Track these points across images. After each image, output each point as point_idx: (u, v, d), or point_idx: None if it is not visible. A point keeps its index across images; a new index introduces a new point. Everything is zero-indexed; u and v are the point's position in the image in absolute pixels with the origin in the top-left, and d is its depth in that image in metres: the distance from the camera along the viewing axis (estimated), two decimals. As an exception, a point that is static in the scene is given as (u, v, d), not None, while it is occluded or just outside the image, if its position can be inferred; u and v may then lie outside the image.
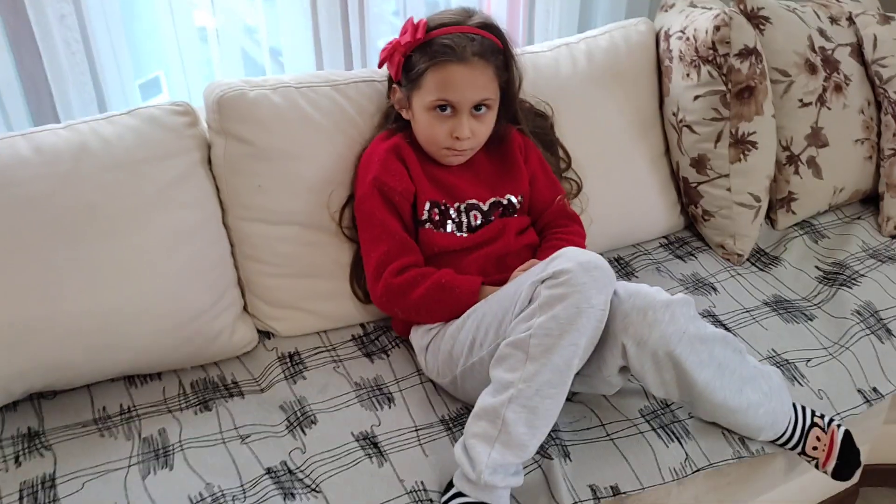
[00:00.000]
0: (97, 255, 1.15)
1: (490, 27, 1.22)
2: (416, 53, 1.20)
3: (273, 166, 1.29)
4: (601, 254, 1.53)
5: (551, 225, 1.35)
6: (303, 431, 1.16)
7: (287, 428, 1.17)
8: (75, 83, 1.51)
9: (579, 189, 1.46)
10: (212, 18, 1.63)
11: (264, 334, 1.35)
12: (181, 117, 1.28)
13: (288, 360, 1.30)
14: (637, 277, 1.51)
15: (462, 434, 1.10)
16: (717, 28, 1.42)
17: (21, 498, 1.03)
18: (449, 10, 1.25)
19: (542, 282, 1.01)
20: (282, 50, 1.72)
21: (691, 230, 1.66)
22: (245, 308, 1.35)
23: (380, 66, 1.29)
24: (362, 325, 1.38)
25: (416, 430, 1.16)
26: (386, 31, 1.86)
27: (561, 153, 1.45)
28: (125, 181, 1.19)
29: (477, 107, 1.21)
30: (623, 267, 1.54)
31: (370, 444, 1.13)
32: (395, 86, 1.27)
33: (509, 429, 0.97)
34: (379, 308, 1.29)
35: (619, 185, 1.54)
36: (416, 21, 1.21)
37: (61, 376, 1.17)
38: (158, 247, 1.20)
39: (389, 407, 1.20)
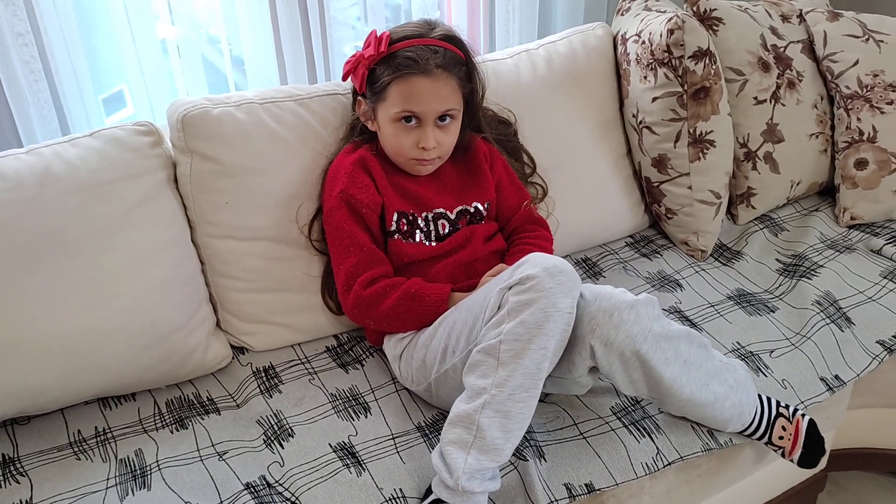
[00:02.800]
0: (67, 278, 1.15)
1: (452, 39, 1.24)
2: (380, 66, 1.22)
3: (240, 182, 1.30)
4: (569, 255, 1.58)
5: (519, 230, 1.38)
6: (280, 445, 1.16)
7: (264, 442, 1.17)
8: (35, 103, 1.51)
9: (545, 193, 1.49)
10: (173, 29, 1.63)
11: (238, 350, 1.36)
12: (145, 137, 1.28)
13: (263, 374, 1.31)
14: (605, 277, 1.54)
15: (439, 440, 1.12)
16: (671, 31, 1.45)
17: (-2, 526, 1.03)
18: (411, 22, 1.27)
19: (510, 288, 1.03)
20: (244, 59, 1.72)
21: (656, 228, 1.70)
22: (218, 324, 1.35)
23: (344, 78, 1.30)
24: (336, 337, 1.39)
25: (394, 438, 1.17)
26: (350, 36, 1.87)
27: (525, 159, 1.48)
28: (91, 203, 1.19)
29: (441, 117, 1.23)
30: (591, 267, 1.57)
31: (348, 454, 1.14)
32: (359, 98, 1.29)
33: (484, 434, 0.99)
34: (351, 319, 1.30)
35: (583, 187, 1.57)
36: (378, 34, 1.23)
37: (34, 401, 1.16)
38: (128, 267, 1.20)
39: (366, 416, 1.22)
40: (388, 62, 1.21)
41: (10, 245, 1.13)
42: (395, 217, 1.28)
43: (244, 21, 1.67)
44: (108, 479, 1.10)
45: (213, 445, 1.16)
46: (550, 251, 1.35)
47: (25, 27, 1.44)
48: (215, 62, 1.79)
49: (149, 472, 1.11)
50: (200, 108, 1.28)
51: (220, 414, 1.23)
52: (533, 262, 1.04)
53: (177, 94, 1.70)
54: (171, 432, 1.18)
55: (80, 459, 1.13)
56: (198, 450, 1.15)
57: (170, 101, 1.64)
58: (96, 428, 1.19)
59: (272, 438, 1.18)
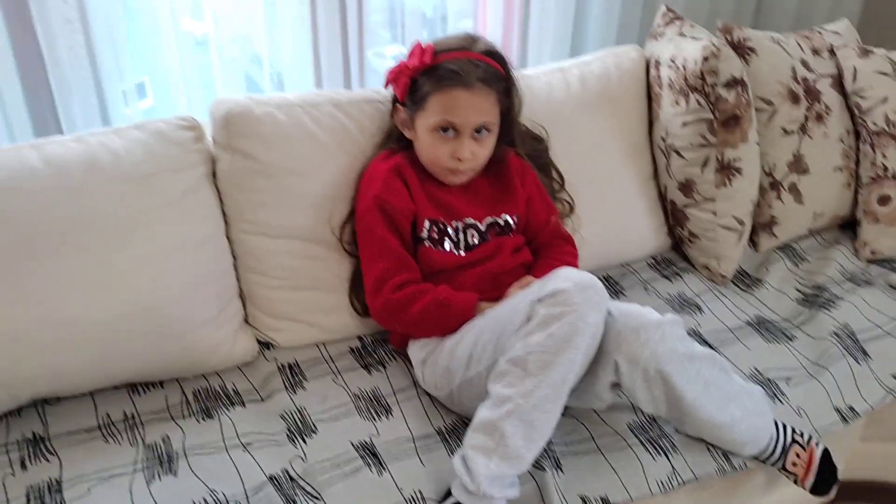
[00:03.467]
0: (104, 265, 1.18)
1: (494, 54, 1.27)
2: (423, 77, 1.25)
3: (277, 182, 1.33)
4: (591, 272, 1.60)
5: (546, 245, 1.40)
6: (303, 440, 1.19)
7: (288, 436, 1.20)
8: (78, 89, 1.55)
9: (572, 209, 1.51)
10: (205, 26, 1.66)
11: (264, 345, 1.39)
12: (188, 132, 1.31)
13: (288, 370, 1.33)
14: (625, 296, 1.56)
15: (459, 445, 1.14)
16: (706, 59, 1.48)
17: (28, 501, 1.06)
18: (454, 35, 1.30)
19: (540, 300, 1.06)
20: (280, 59, 1.75)
21: (677, 251, 1.72)
22: (245, 319, 1.38)
23: (385, 86, 1.33)
24: (360, 338, 1.42)
25: (414, 441, 1.20)
26: (376, 41, 1.90)
27: (554, 175, 1.51)
28: (133, 194, 1.22)
29: (478, 130, 1.26)
30: (612, 286, 1.59)
31: (369, 453, 1.17)
32: (398, 106, 1.32)
33: (507, 441, 1.01)
34: (378, 322, 1.33)
35: (609, 206, 1.60)
36: (423, 45, 1.26)
37: (67, 382, 1.19)
38: (164, 258, 1.23)
39: (387, 418, 1.24)
40: (430, 73, 1.24)
41: (51, 230, 1.16)
42: (426, 224, 1.30)
43: (282, 23, 1.71)
44: (135, 463, 1.12)
45: (237, 436, 1.18)
46: (576, 266, 1.37)
47: (74, 13, 1.48)
48: (250, 62, 1.82)
49: (175, 459, 1.13)
50: (243, 106, 1.32)
51: (245, 406, 1.25)
52: (563, 277, 1.07)
53: (210, 90, 1.73)
54: (198, 421, 1.21)
55: (108, 442, 1.16)
56: (223, 439, 1.18)
57: (198, 96, 1.70)
58: (125, 412, 1.22)
59: (295, 433, 1.20)
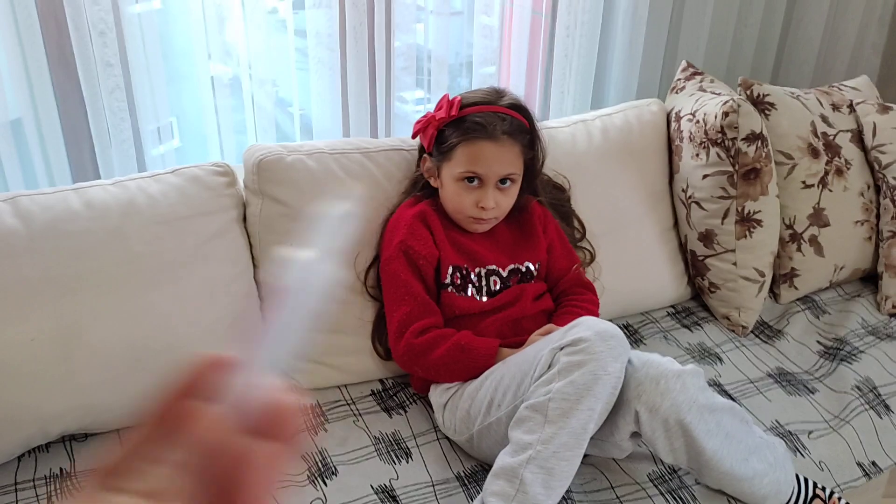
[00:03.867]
0: (139, 303, 1.22)
1: (519, 108, 1.31)
2: (449, 128, 1.29)
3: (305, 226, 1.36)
4: (611, 320, 1.61)
5: (567, 292, 1.42)
6: (324, 482, 1.20)
7: (308, 478, 1.21)
8: (116, 133, 1.60)
9: (592, 258, 1.54)
10: (236, 70, 1.73)
11: (287, 386, 1.40)
12: (221, 177, 1.36)
13: (309, 412, 1.35)
14: (645, 345, 1.57)
15: (478, 491, 1.15)
16: (726, 114, 1.51)
17: (54, 537, 1.07)
18: (481, 89, 1.34)
19: (562, 349, 1.07)
20: (306, 103, 1.81)
21: (698, 301, 1.73)
22: (270, 360, 1.40)
23: (413, 136, 1.38)
24: (381, 381, 1.43)
25: (433, 486, 1.21)
26: (397, 87, 1.94)
27: (576, 223, 1.53)
28: (168, 236, 1.27)
29: (502, 180, 1.29)
30: (632, 334, 1.60)
31: (389, 497, 1.18)
32: (425, 155, 1.36)
33: (527, 489, 1.02)
34: (400, 366, 1.34)
35: (629, 255, 1.62)
36: (451, 98, 1.30)
37: (96, 419, 1.22)
38: (195, 298, 1.27)
39: (407, 462, 1.25)
40: (457, 125, 1.28)
41: (90, 269, 1.20)
42: (450, 270, 1.33)
43: (313, 68, 1.77)
44: None
45: (259, 477, 1.20)
46: (597, 315, 1.39)
47: (115, 58, 1.55)
48: (278, 107, 1.88)
49: (198, 498, 1.15)
50: (276, 154, 1.36)
51: (267, 447, 1.26)
52: (585, 326, 1.08)
53: (242, 132, 1.79)
54: (221, 461, 1.22)
55: (133, 479, 1.18)
56: (245, 480, 1.19)
57: (227, 139, 1.76)
58: (150, 450, 1.24)
59: (316, 475, 1.21)
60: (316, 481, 1.20)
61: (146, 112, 1.65)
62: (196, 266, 1.28)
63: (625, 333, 1.57)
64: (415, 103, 2.02)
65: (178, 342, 1.24)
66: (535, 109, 2.09)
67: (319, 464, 1.23)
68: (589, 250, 1.54)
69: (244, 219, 1.39)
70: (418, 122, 1.35)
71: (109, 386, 1.20)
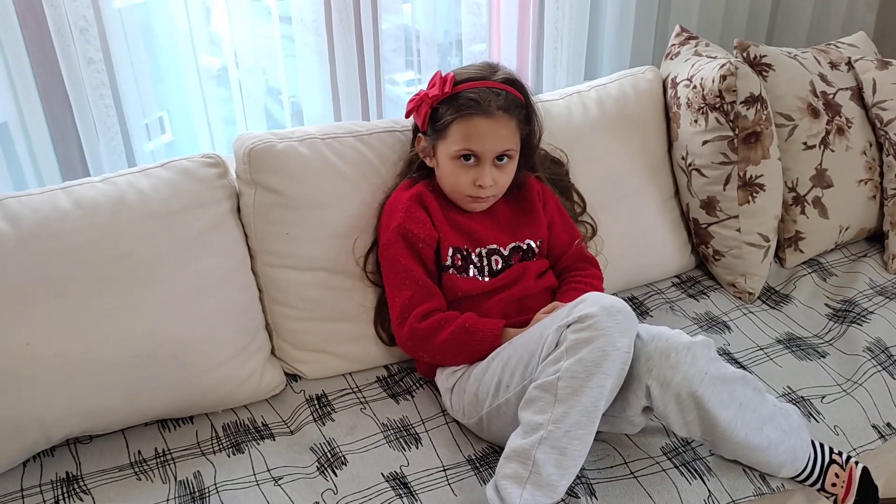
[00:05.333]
0: (134, 302, 1.20)
1: (514, 82, 1.28)
2: (443, 105, 1.26)
3: (300, 214, 1.34)
4: (616, 294, 1.59)
5: (570, 268, 1.40)
6: (334, 472, 1.18)
7: (318, 469, 1.19)
8: (103, 128, 1.58)
9: (594, 232, 1.51)
10: (224, 60, 1.69)
11: (291, 377, 1.39)
12: (212, 169, 1.33)
13: (316, 402, 1.33)
14: (651, 317, 1.55)
15: (490, 474, 1.13)
16: (724, 77, 1.48)
17: (63, 542, 1.06)
18: (474, 64, 1.31)
19: (568, 326, 1.05)
20: (295, 90, 1.78)
21: (702, 269, 1.71)
22: (272, 352, 1.39)
23: (407, 116, 1.35)
24: (387, 367, 1.42)
25: (445, 470, 1.19)
26: (389, 68, 1.92)
27: (576, 198, 1.51)
28: (160, 231, 1.24)
29: (499, 157, 1.27)
30: (637, 307, 1.58)
31: (400, 484, 1.16)
32: (420, 135, 1.33)
33: (540, 469, 1.00)
34: (404, 351, 1.32)
35: (631, 227, 1.59)
36: (443, 75, 1.27)
37: (99, 420, 1.20)
38: (191, 293, 1.24)
39: (417, 447, 1.23)
40: (451, 102, 1.25)
41: (82, 269, 1.18)
42: (450, 252, 1.31)
43: (300, 54, 1.74)
44: (168, 500, 1.12)
45: (268, 470, 1.18)
46: (601, 290, 1.37)
47: (98, 54, 1.52)
48: (268, 94, 1.85)
49: (207, 495, 1.13)
50: (266, 142, 1.33)
51: (274, 440, 1.25)
52: (591, 301, 1.06)
53: (231, 122, 1.76)
54: (228, 456, 1.21)
55: (140, 479, 1.17)
56: (254, 474, 1.18)
57: (219, 129, 1.73)
58: (156, 449, 1.22)
59: (326, 466, 1.20)
60: (326, 472, 1.19)
61: (133, 107, 1.62)
62: (191, 260, 1.25)
63: (630, 306, 1.56)
64: (406, 85, 1.99)
65: (176, 339, 1.22)
66: (528, 84, 2.06)
67: (328, 454, 1.22)
68: (590, 224, 1.52)
69: (238, 210, 1.36)
70: (411, 100, 1.31)
71: (110, 387, 1.18)
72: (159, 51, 1.68)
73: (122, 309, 1.19)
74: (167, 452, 1.22)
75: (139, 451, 1.22)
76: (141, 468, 1.19)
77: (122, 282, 1.20)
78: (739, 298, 1.61)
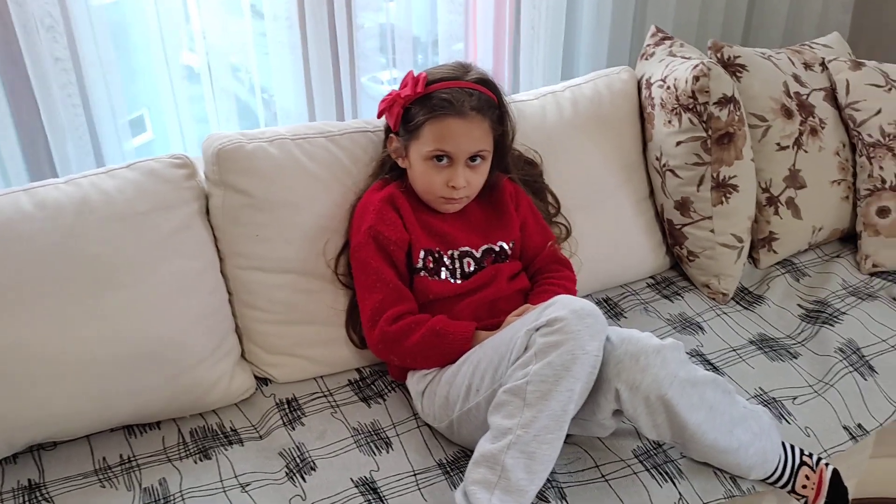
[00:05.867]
0: (99, 305, 1.17)
1: (486, 83, 1.27)
2: (416, 106, 1.25)
3: (270, 216, 1.32)
4: (590, 295, 1.59)
5: (543, 270, 1.39)
6: (302, 478, 1.17)
7: (287, 475, 1.18)
8: (71, 128, 1.55)
9: (568, 233, 1.50)
10: (199, 57, 1.67)
11: (261, 381, 1.37)
12: (180, 169, 1.31)
13: (286, 406, 1.32)
14: (626, 318, 1.55)
15: (461, 478, 1.12)
16: (697, 78, 1.48)
17: (23, 552, 1.04)
18: (447, 64, 1.30)
19: (537, 329, 1.04)
20: (272, 87, 1.76)
21: (677, 270, 1.70)
22: (242, 355, 1.37)
23: (379, 116, 1.33)
24: (358, 370, 1.40)
25: (415, 475, 1.18)
26: (374, 68, 1.91)
27: (550, 199, 1.50)
28: (126, 233, 1.22)
29: (472, 158, 1.26)
30: (612, 308, 1.57)
31: (370, 489, 1.15)
32: (392, 135, 1.31)
33: (509, 475, 1.00)
34: (375, 354, 1.31)
35: (606, 227, 1.59)
36: (415, 74, 1.26)
37: (64, 426, 1.18)
38: (159, 296, 1.22)
39: (387, 451, 1.22)
40: (423, 102, 1.24)
41: (45, 272, 1.15)
42: (421, 254, 1.29)
43: (273, 51, 1.72)
44: (132, 508, 1.10)
45: (235, 477, 1.17)
46: (574, 292, 1.36)
47: (65, 52, 1.49)
48: (242, 91, 1.83)
49: (172, 502, 1.11)
50: (235, 142, 1.31)
51: (242, 445, 1.23)
52: (561, 304, 1.05)
53: (203, 120, 1.74)
54: (195, 462, 1.19)
55: (104, 487, 1.14)
56: (221, 481, 1.16)
57: (193, 127, 1.71)
58: (121, 455, 1.20)
59: (294, 471, 1.18)
60: (294, 478, 1.17)
61: (102, 107, 1.59)
62: (158, 263, 1.23)
63: (605, 307, 1.57)
64: (390, 83, 1.98)
65: (143, 343, 1.19)
66: (506, 84, 2.06)
67: (297, 459, 1.20)
68: (564, 225, 1.51)
69: (207, 211, 1.34)
70: (383, 100, 1.30)
71: (73, 393, 1.16)
72: (136, 48, 1.66)
73: (86, 313, 1.17)
74: (133, 459, 1.19)
75: (104, 458, 1.19)
76: (105, 475, 1.16)
77: (87, 285, 1.18)
78: (713, 299, 1.61)
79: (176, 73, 1.66)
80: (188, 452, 1.21)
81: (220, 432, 1.26)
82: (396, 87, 1.31)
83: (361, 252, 1.29)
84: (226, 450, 1.22)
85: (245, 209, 1.32)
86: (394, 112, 1.28)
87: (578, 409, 1.05)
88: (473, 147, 1.25)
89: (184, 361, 1.24)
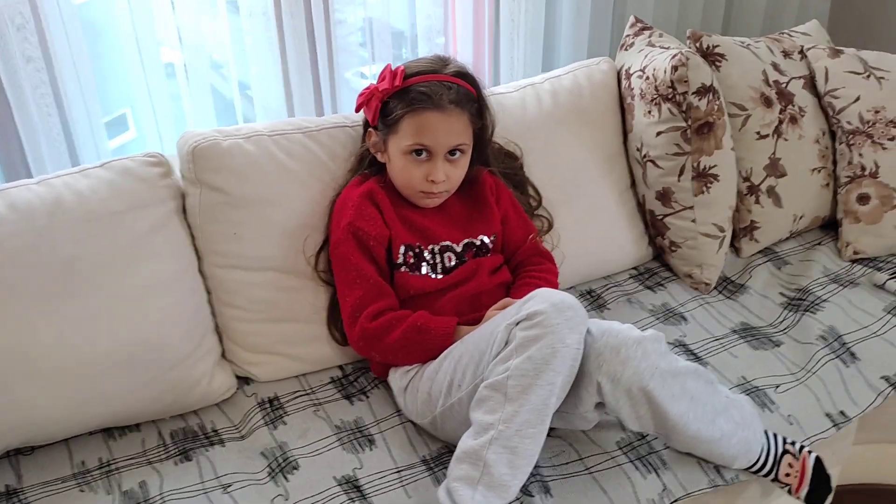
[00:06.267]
0: (75, 307, 1.16)
1: (465, 76, 1.26)
2: (394, 99, 1.23)
3: (248, 213, 1.31)
4: (573, 287, 1.59)
5: (525, 263, 1.38)
6: (285, 478, 1.16)
7: (269, 475, 1.17)
8: (45, 129, 1.53)
9: (550, 226, 1.50)
10: (179, 55, 1.65)
11: (243, 380, 1.36)
12: (155, 168, 1.29)
13: (268, 405, 1.30)
14: (609, 309, 1.54)
15: (444, 474, 1.12)
16: (675, 68, 1.47)
17: (1, 559, 1.02)
18: (425, 57, 1.29)
19: (517, 324, 1.04)
20: (250, 84, 1.75)
21: (659, 260, 1.70)
22: (223, 354, 1.35)
23: (357, 110, 1.32)
24: (341, 367, 1.39)
25: (399, 472, 1.17)
26: (353, 62, 1.89)
27: (531, 192, 1.49)
28: (101, 233, 1.20)
29: (452, 151, 1.25)
30: (595, 299, 1.57)
31: (353, 487, 1.14)
32: (370, 130, 1.30)
33: (491, 470, 0.99)
34: (356, 351, 1.30)
35: (587, 219, 1.58)
36: (393, 68, 1.25)
37: (40, 431, 1.16)
38: (136, 297, 1.21)
39: (371, 449, 1.21)
40: (402, 96, 1.23)
41: (20, 275, 1.13)
42: (401, 250, 1.28)
43: (252, 48, 1.70)
44: (111, 512, 1.09)
45: (217, 478, 1.15)
46: (556, 284, 1.36)
47: (36, 52, 1.47)
48: (220, 87, 1.81)
49: (153, 505, 1.10)
50: (210, 140, 1.30)
51: (224, 445, 1.22)
52: (541, 298, 1.05)
53: (183, 118, 1.72)
54: (176, 464, 1.18)
55: (83, 491, 1.13)
56: (202, 482, 1.15)
57: (174, 125, 1.69)
58: (100, 459, 1.19)
59: (277, 471, 1.17)
60: (277, 477, 1.16)
61: (77, 106, 1.57)
62: (134, 264, 1.21)
63: (588, 299, 1.57)
64: (374, 79, 1.95)
65: (122, 344, 1.18)
66: (487, 76, 2.05)
67: (280, 459, 1.19)
68: (546, 218, 1.50)
69: (184, 210, 1.32)
70: (361, 94, 1.29)
71: (51, 397, 1.14)
72: (114, 47, 1.63)
73: (63, 315, 1.15)
74: (112, 462, 1.18)
75: (83, 462, 1.18)
76: (84, 479, 1.15)
77: (63, 287, 1.16)
78: (696, 289, 1.61)
79: (156, 71, 1.63)
80: (168, 454, 1.20)
81: (200, 433, 1.24)
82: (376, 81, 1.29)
83: (341, 248, 1.28)
84: (207, 451, 1.21)
85: (222, 207, 1.30)
86: (372, 106, 1.27)
87: (560, 402, 1.05)
88: (452, 141, 1.24)
89: (163, 362, 1.22)
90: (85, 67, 1.55)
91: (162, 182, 1.29)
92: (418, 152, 1.24)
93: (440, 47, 1.96)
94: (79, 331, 1.16)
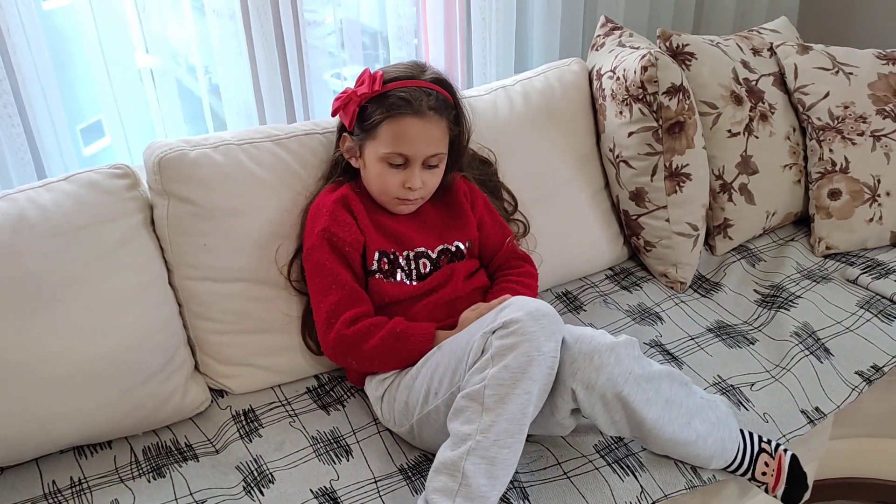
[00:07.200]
0: (42, 325, 1.13)
1: (442, 82, 1.25)
2: (372, 104, 1.22)
3: (218, 224, 1.29)
4: (549, 289, 1.59)
5: (504, 267, 1.38)
6: (260, 492, 1.14)
7: (244, 489, 1.15)
8: (9, 141, 1.50)
9: (526, 230, 1.49)
10: (150, 59, 1.63)
11: (217, 393, 1.34)
12: (121, 180, 1.26)
13: (242, 417, 1.29)
14: (585, 311, 1.54)
15: (423, 483, 1.11)
16: (645, 68, 1.47)
17: (-31, 586, 1.00)
18: (402, 63, 1.28)
19: (493, 332, 1.03)
20: (221, 88, 1.72)
21: (635, 260, 1.71)
22: (196, 367, 1.34)
23: (333, 114, 1.30)
24: (316, 377, 1.38)
25: (376, 482, 1.16)
26: (327, 64, 1.87)
27: (506, 196, 1.48)
28: (66, 248, 1.18)
29: (429, 160, 1.24)
30: (571, 301, 1.57)
31: (329, 499, 1.13)
32: (345, 134, 1.29)
33: (469, 481, 0.98)
34: (331, 359, 1.28)
35: (562, 221, 1.58)
36: (372, 72, 1.23)
37: (8, 452, 1.14)
38: (104, 312, 1.18)
39: (347, 459, 1.20)
40: (380, 101, 1.21)
41: (-19, 294, 1.11)
42: (376, 256, 1.27)
43: (220, 51, 1.68)
44: (83, 533, 1.07)
45: (191, 494, 1.14)
46: (535, 287, 1.36)
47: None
48: (192, 90, 1.79)
49: (126, 525, 1.08)
50: (177, 150, 1.28)
51: (198, 461, 1.20)
52: (516, 306, 1.04)
53: (153, 123, 1.69)
54: (149, 481, 1.16)
55: (54, 512, 1.11)
56: (175, 499, 1.13)
57: (147, 130, 1.66)
58: (71, 478, 1.16)
59: (252, 485, 1.16)
60: (252, 491, 1.15)
61: (42, 117, 1.53)
62: (101, 278, 1.19)
63: (564, 301, 1.56)
64: (352, 80, 1.94)
65: (91, 360, 1.16)
66: (459, 76, 2.04)
67: (255, 472, 1.18)
68: (522, 222, 1.50)
69: (152, 222, 1.30)
70: (338, 98, 1.27)
71: (19, 416, 1.12)
72: (81, 54, 1.60)
73: (30, 331, 1.12)
74: (83, 481, 1.16)
75: (53, 482, 1.16)
76: (56, 499, 1.13)
77: (29, 303, 1.13)
78: (671, 288, 1.61)
79: (128, 77, 1.61)
80: (141, 471, 1.18)
81: (174, 448, 1.22)
82: (352, 84, 1.28)
83: (315, 254, 1.26)
84: (180, 466, 1.19)
85: (191, 218, 1.28)
86: (349, 110, 1.25)
87: (538, 411, 1.04)
88: (431, 149, 1.23)
89: (133, 378, 1.20)
90: (49, 77, 1.52)
91: (128, 194, 1.26)
92: (396, 161, 1.23)
93: (414, 48, 1.94)
94: (46, 347, 1.13)
